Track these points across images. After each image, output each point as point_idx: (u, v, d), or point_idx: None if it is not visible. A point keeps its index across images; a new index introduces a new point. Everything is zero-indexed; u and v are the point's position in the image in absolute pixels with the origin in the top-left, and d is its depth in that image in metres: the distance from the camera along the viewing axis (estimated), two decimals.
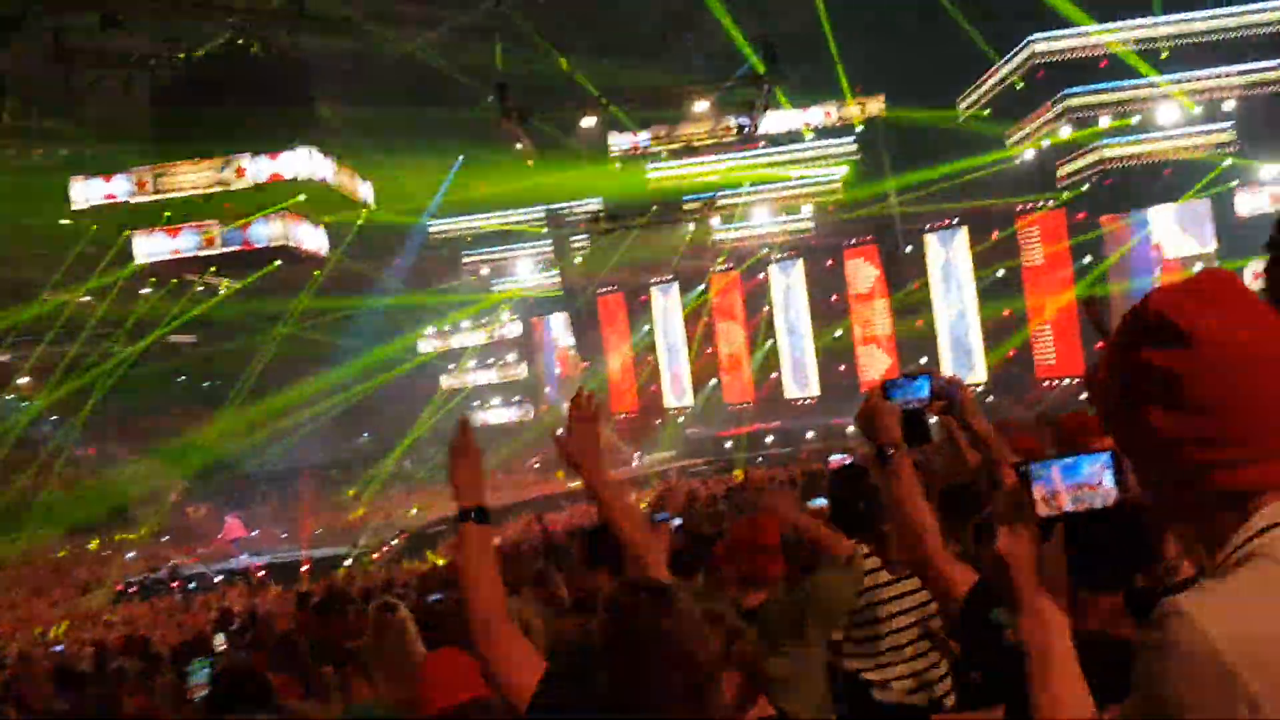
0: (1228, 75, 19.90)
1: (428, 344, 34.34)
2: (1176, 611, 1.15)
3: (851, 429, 18.37)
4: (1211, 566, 1.24)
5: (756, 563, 3.62)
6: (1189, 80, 20.20)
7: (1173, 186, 20.84)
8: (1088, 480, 1.50)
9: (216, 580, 22.03)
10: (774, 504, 3.47)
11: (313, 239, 24.79)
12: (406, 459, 33.22)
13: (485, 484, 2.39)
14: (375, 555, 23.50)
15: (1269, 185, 19.05)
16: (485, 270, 34.25)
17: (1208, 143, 20.62)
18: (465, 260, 33.67)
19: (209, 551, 26.29)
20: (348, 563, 22.35)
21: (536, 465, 31.98)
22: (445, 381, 34.88)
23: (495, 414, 34.42)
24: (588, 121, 24.51)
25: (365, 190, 25.83)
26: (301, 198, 23.86)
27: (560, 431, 2.50)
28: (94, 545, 27.31)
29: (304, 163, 23.05)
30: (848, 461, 8.73)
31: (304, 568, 22.56)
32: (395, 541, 24.77)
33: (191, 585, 22.05)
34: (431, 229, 32.35)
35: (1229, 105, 20.29)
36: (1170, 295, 1.29)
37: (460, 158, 30.73)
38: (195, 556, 25.75)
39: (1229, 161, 20.27)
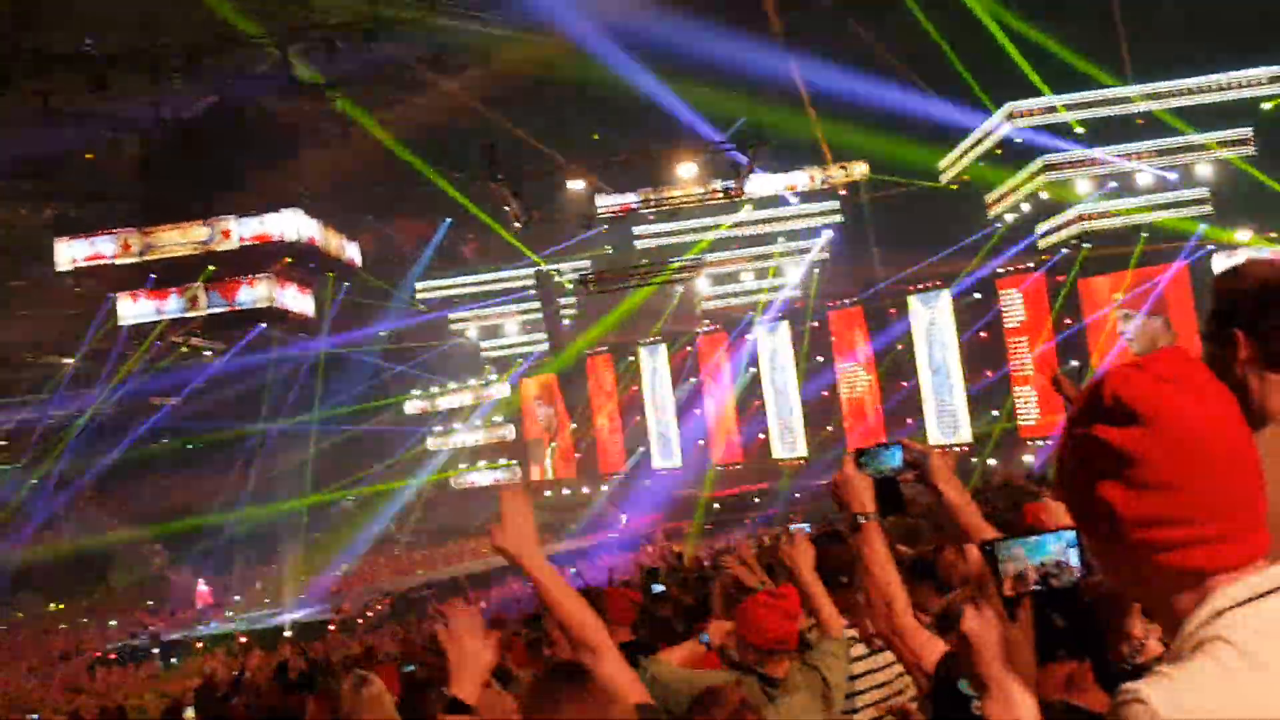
0: (1199, 142, 20.27)
1: (413, 405, 34.19)
2: (1136, 698, 1.16)
3: None
4: (1171, 649, 1.25)
5: (784, 629, 3.57)
6: (1163, 146, 20.57)
7: (1151, 251, 21.11)
8: (1053, 558, 1.52)
9: (199, 646, 21.73)
10: (793, 560, 3.38)
11: (298, 301, 24.77)
12: (391, 522, 33.00)
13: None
14: (359, 620, 23.22)
15: (1245, 250, 19.34)
16: (473, 332, 34.34)
17: (1183, 208, 20.94)
18: (453, 322, 33.77)
19: (187, 617, 25.94)
20: (330, 628, 22.07)
21: None
22: (431, 443, 34.74)
23: (481, 476, 34.24)
24: (575, 184, 24.74)
25: (352, 251, 25.92)
26: (288, 260, 23.88)
27: (493, 524, 2.45)
28: (72, 611, 26.97)
29: (290, 224, 23.12)
30: (804, 527, 8.69)
31: (286, 633, 22.27)
32: (379, 606, 24.47)
33: (173, 654, 21.80)
34: (418, 289, 32.43)
35: (1203, 171, 20.60)
36: (1127, 373, 1.30)
37: (448, 220, 30.96)
38: (171, 622, 25.42)
39: (1204, 227, 20.59)
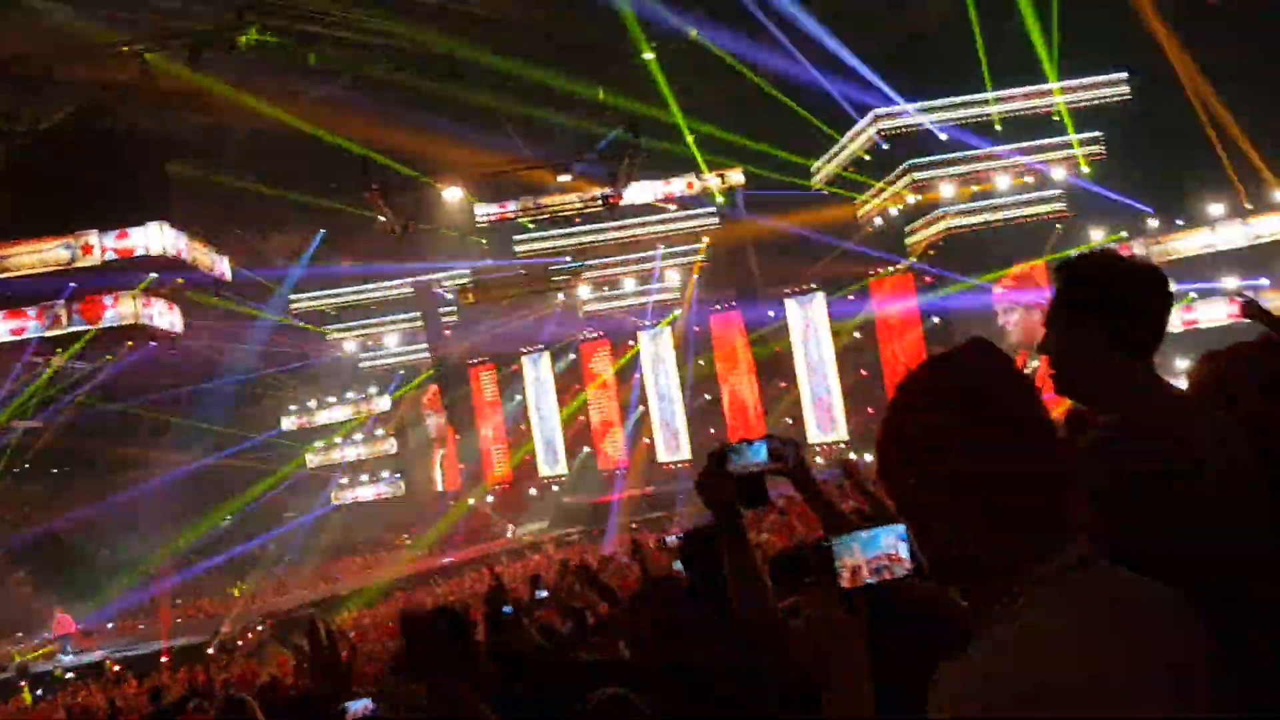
0: (1055, 146, 21.23)
1: (290, 422, 33.39)
2: (947, 676, 1.25)
3: None
4: (986, 627, 1.30)
5: None
6: (1021, 151, 21.46)
7: (1012, 252, 22.01)
8: (885, 551, 1.56)
9: (68, 677, 20.84)
10: None
11: (166, 318, 23.93)
12: (272, 541, 32.20)
13: None
14: (240, 642, 22.60)
15: (1098, 249, 20.29)
16: (351, 345, 33.77)
17: (1042, 210, 21.90)
18: (330, 336, 33.12)
19: (50, 647, 24.82)
20: (210, 651, 21.43)
21: (408, 541, 31.39)
22: (311, 460, 34.00)
23: (365, 490, 33.67)
24: (452, 193, 24.56)
25: (222, 264, 25.16)
26: (154, 275, 23.06)
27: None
28: None
29: (156, 238, 22.27)
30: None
31: (163, 659, 21.55)
32: (261, 628, 23.85)
33: (38, 685, 20.84)
34: (293, 303, 31.75)
35: (1059, 174, 21.56)
36: (946, 361, 1.37)
37: (322, 231, 30.40)
38: (37, 651, 24.31)
39: (1060, 227, 21.58)
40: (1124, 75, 20.07)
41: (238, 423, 31.22)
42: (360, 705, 4.91)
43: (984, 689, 1.20)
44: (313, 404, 33.57)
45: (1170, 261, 19.70)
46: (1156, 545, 2.07)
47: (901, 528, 1.56)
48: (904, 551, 1.56)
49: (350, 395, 33.61)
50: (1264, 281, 19.28)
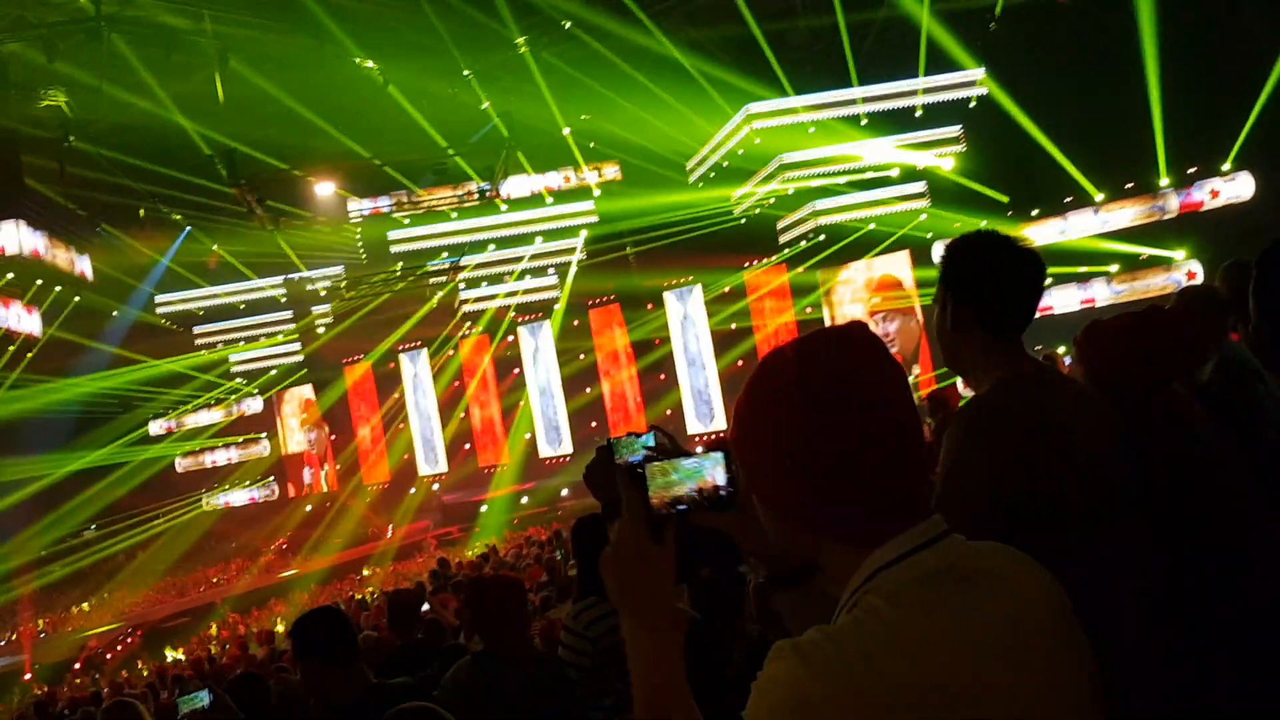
0: (918, 140, 21.94)
1: (158, 425, 32.27)
2: (785, 651, 1.24)
3: None
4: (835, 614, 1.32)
5: None
6: (885, 143, 22.12)
7: (877, 241, 22.71)
8: (702, 477, 1.52)
9: None
10: None
11: (24, 321, 22.93)
12: (140, 549, 31.10)
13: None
14: (109, 655, 21.84)
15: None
16: (220, 345, 32.76)
17: (906, 201, 22.63)
18: (198, 336, 32.08)
19: None
20: (76, 666, 20.67)
21: (284, 547, 30.71)
22: (180, 463, 32.94)
23: (237, 495, 32.77)
24: (324, 188, 24.09)
25: (83, 264, 24.21)
26: (10, 276, 22.08)
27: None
28: None
29: (12, 237, 21.35)
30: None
31: (26, 675, 20.73)
32: (130, 640, 23.09)
33: None
34: (159, 303, 30.69)
35: (922, 166, 22.29)
36: (794, 349, 1.38)
37: (188, 228, 29.46)
38: None
39: (924, 217, 22.33)
40: (981, 73, 20.84)
41: (103, 426, 30.06)
42: (198, 700, 4.86)
43: (820, 672, 1.21)
44: (181, 406, 32.48)
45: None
46: (1000, 504, 2.24)
47: (721, 454, 1.55)
48: (721, 478, 1.54)
49: (220, 397, 32.64)
50: (1114, 268, 20.32)
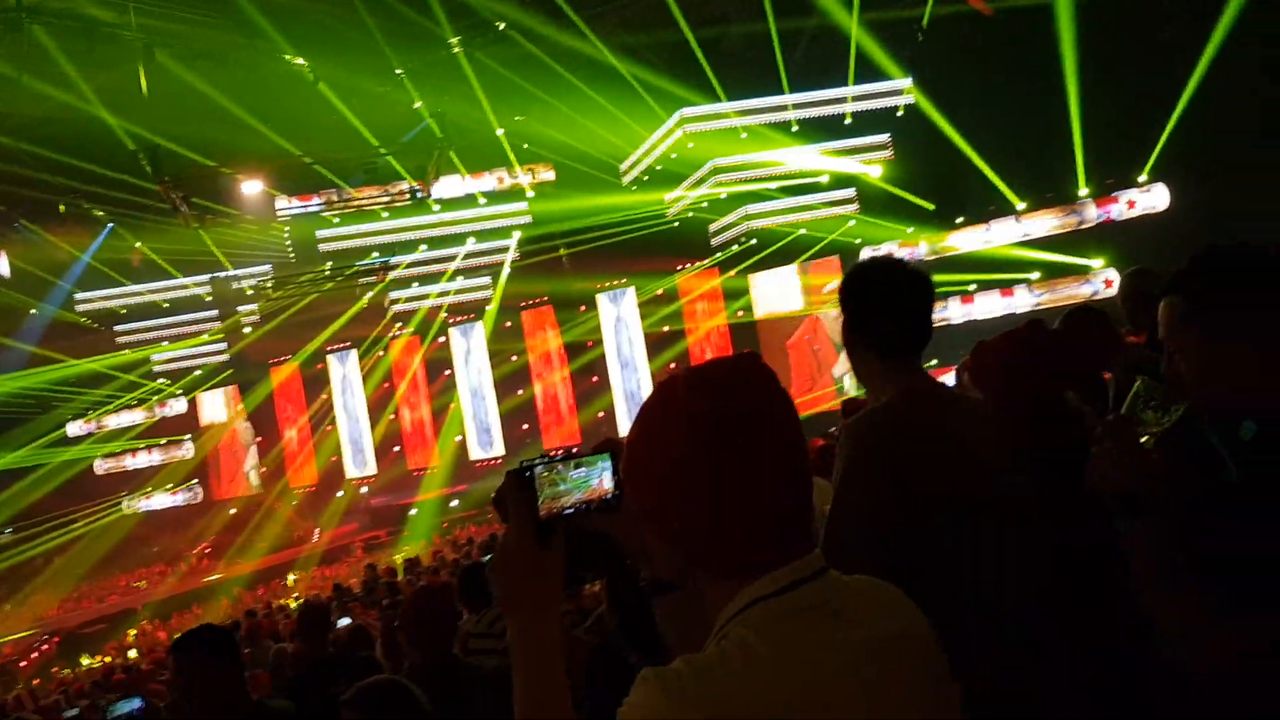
0: (848, 147, 22.28)
1: (78, 426, 31.47)
2: (649, 680, 1.25)
3: None
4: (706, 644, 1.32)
5: None
6: (815, 151, 22.41)
7: (808, 247, 23.00)
8: (589, 479, 1.53)
9: None
10: None
11: None
12: (58, 553, 30.31)
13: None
14: (23, 664, 21.25)
15: (887, 244, 21.50)
16: (143, 345, 32.04)
17: (836, 207, 22.96)
18: (120, 335, 31.35)
19: None
20: None
21: (207, 551, 30.13)
22: (101, 466, 32.16)
23: (159, 499, 32.07)
24: (251, 186, 23.71)
25: (0, 261, 23.59)
26: None
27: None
28: None
29: None
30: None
31: None
32: (45, 647, 22.47)
33: None
34: (79, 301, 29.97)
35: (851, 173, 22.65)
36: (686, 379, 1.37)
37: (110, 224, 28.82)
38: None
39: (853, 223, 22.67)
40: (908, 82, 21.22)
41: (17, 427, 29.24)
42: (128, 706, 4.80)
43: (679, 703, 1.22)
44: (101, 407, 31.72)
45: (952, 257, 21.06)
46: (885, 518, 2.32)
47: (606, 458, 1.56)
48: (609, 481, 1.55)
49: (142, 397, 31.94)
50: (1035, 275, 20.82)
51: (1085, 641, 2.31)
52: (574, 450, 1.81)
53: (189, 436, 32.00)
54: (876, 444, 2.42)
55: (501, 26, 21.35)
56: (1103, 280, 19.72)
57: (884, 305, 2.54)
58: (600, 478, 1.54)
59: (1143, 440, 1.99)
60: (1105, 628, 2.28)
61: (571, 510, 1.50)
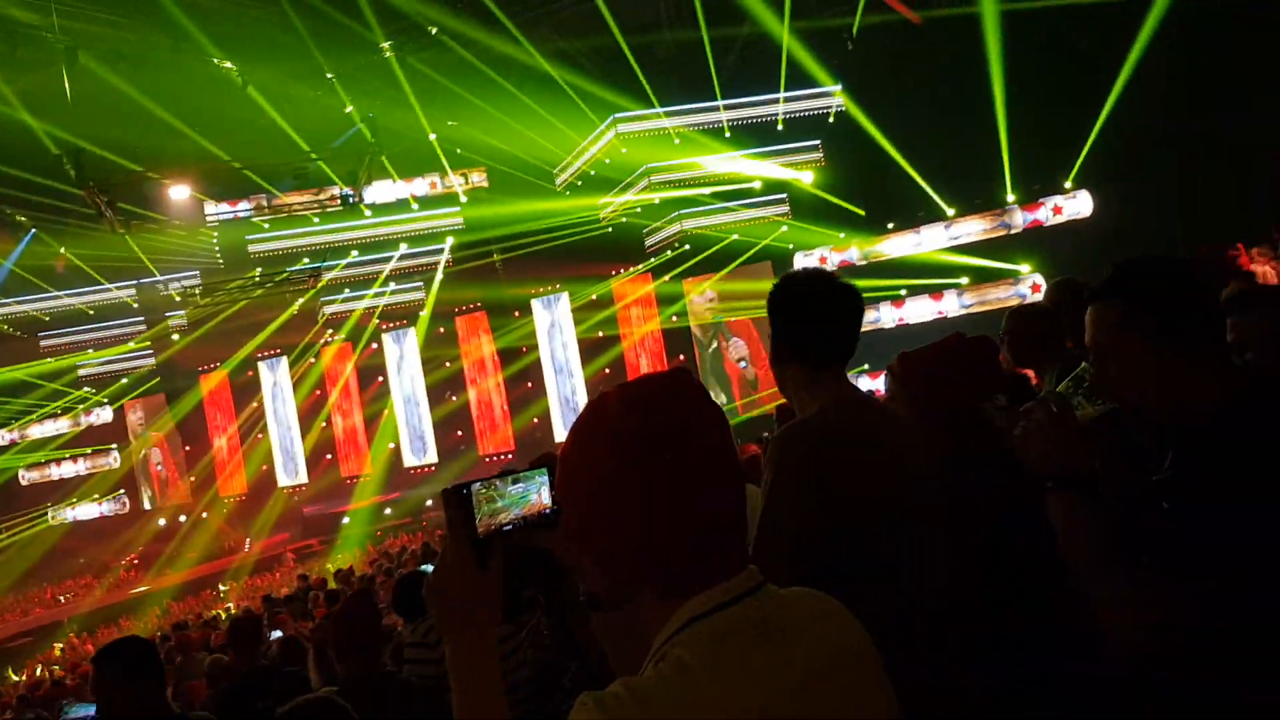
0: (780, 152, 22.47)
1: (0, 436, 30.66)
2: (587, 704, 1.24)
3: None
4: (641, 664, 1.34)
5: None
6: (748, 157, 22.58)
7: (740, 252, 23.17)
8: (527, 494, 1.53)
9: None
10: None
11: None
12: None
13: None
14: None
15: (819, 250, 21.71)
16: (68, 353, 31.30)
17: (768, 212, 23.14)
18: (44, 343, 30.61)
19: None
20: None
21: (135, 562, 29.52)
22: (25, 477, 31.35)
23: (85, 510, 31.33)
24: (179, 191, 23.29)
25: None
26: None
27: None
28: None
29: None
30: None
31: None
32: None
33: None
34: (0, 308, 29.21)
35: (783, 179, 22.85)
36: (618, 396, 1.38)
37: (33, 230, 28.13)
38: None
39: (785, 229, 22.86)
40: (838, 88, 21.46)
41: None
42: (83, 710, 4.75)
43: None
44: (25, 416, 30.92)
45: (883, 262, 21.33)
46: (812, 526, 2.36)
47: (544, 473, 1.56)
48: (546, 495, 1.54)
49: (67, 406, 31.19)
50: (964, 280, 21.14)
51: (1020, 645, 2.36)
52: (508, 456, 1.81)
53: (115, 446, 31.31)
54: (805, 452, 2.46)
55: (434, 31, 21.22)
56: (1030, 285, 20.08)
57: (815, 317, 2.57)
58: (539, 493, 1.53)
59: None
60: (1041, 628, 2.34)
61: (510, 526, 1.49)
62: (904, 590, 2.28)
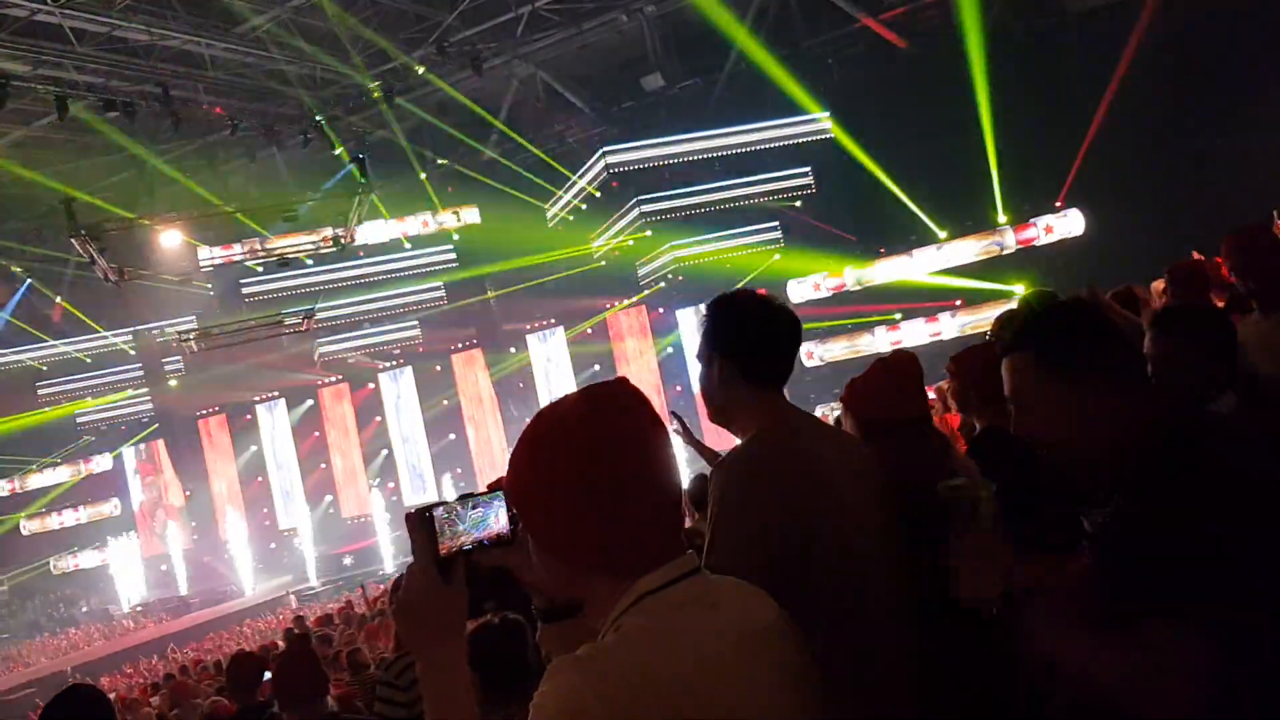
0: (770, 181, 22.52)
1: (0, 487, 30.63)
2: (560, 666, 1.35)
3: None
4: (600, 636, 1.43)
5: None
6: (739, 186, 22.63)
7: (734, 281, 23.14)
8: (485, 518, 1.59)
9: None
10: None
11: None
12: None
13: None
14: None
15: (814, 276, 21.71)
16: (66, 402, 31.30)
17: (760, 241, 23.17)
18: (42, 392, 30.62)
19: None
20: None
21: (140, 610, 29.40)
22: (26, 526, 31.27)
23: (87, 558, 31.22)
24: (171, 237, 23.31)
25: None
26: None
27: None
28: None
29: None
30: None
31: None
32: None
33: None
34: None
35: (774, 207, 22.91)
36: (561, 402, 1.49)
37: (29, 280, 28.28)
38: None
39: (778, 257, 22.88)
40: (826, 115, 21.51)
41: None
42: None
43: (594, 680, 1.32)
44: (25, 467, 30.90)
45: (877, 287, 21.33)
46: (760, 547, 2.33)
47: (499, 496, 1.62)
48: (503, 517, 1.61)
49: (67, 455, 31.17)
50: (959, 301, 21.13)
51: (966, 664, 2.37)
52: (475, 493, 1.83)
53: (115, 493, 31.28)
54: (751, 474, 2.44)
55: (421, 71, 21.35)
56: None
57: (763, 333, 2.57)
58: (496, 515, 1.60)
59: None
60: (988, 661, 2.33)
61: (470, 547, 1.57)
62: (854, 609, 2.30)
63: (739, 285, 23.05)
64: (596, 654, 1.37)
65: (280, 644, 13.95)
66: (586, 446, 1.42)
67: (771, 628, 1.50)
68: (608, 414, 1.45)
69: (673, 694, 1.33)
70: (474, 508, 1.60)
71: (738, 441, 2.53)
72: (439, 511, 1.57)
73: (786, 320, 2.57)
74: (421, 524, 1.55)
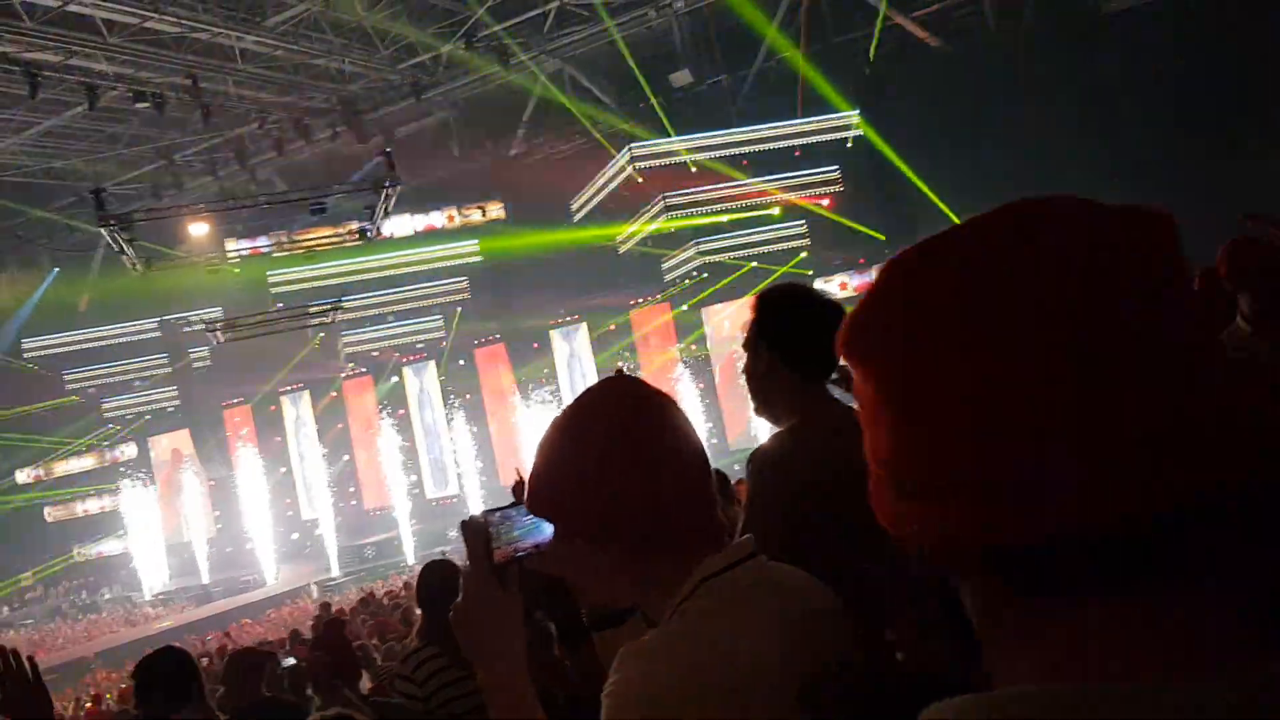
0: (797, 179, 22.40)
1: (26, 474, 30.88)
2: (629, 654, 1.35)
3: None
4: (663, 620, 1.43)
5: None
6: (766, 183, 22.51)
7: (759, 279, 23.06)
8: (539, 523, 1.55)
9: None
10: None
11: None
12: (6, 605, 29.72)
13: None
14: None
15: (839, 274, 21.59)
16: (92, 390, 31.54)
17: (787, 239, 23.05)
18: (69, 380, 30.86)
19: None
20: None
21: (161, 598, 29.59)
22: (50, 513, 31.54)
23: (111, 545, 31.45)
24: (199, 228, 23.46)
25: None
26: None
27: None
28: None
29: None
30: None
31: None
32: None
33: None
34: (26, 347, 29.49)
35: (801, 205, 22.78)
36: (586, 396, 1.49)
37: (56, 269, 28.51)
38: None
39: (804, 255, 22.77)
40: (855, 114, 21.38)
41: None
42: None
43: (666, 664, 1.32)
44: (51, 453, 31.16)
45: None
46: (788, 539, 2.30)
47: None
48: (549, 529, 1.59)
49: (93, 443, 31.41)
50: None
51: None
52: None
53: (140, 481, 31.47)
54: (782, 469, 2.45)
55: (448, 65, 21.38)
56: None
57: (811, 326, 2.55)
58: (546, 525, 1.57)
59: None
60: None
61: (524, 554, 1.54)
62: (888, 594, 2.33)
63: (764, 284, 23.12)
64: (665, 640, 1.37)
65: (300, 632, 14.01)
66: (619, 421, 1.43)
67: (831, 612, 1.52)
68: (628, 395, 1.47)
69: (744, 676, 1.32)
70: (527, 518, 1.57)
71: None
72: (495, 517, 1.56)
73: (832, 313, 2.55)
74: (476, 529, 1.54)
